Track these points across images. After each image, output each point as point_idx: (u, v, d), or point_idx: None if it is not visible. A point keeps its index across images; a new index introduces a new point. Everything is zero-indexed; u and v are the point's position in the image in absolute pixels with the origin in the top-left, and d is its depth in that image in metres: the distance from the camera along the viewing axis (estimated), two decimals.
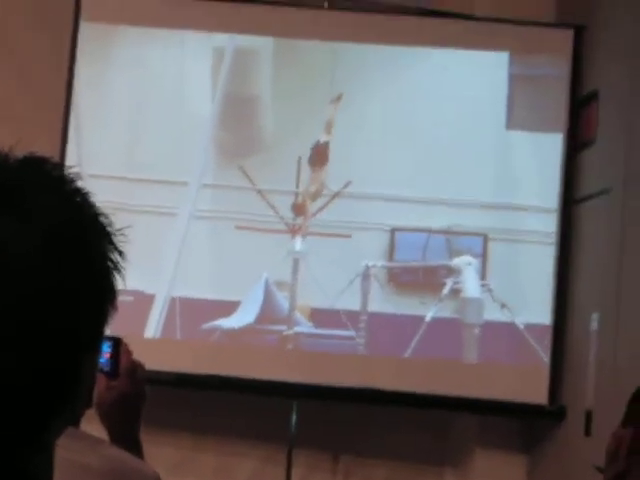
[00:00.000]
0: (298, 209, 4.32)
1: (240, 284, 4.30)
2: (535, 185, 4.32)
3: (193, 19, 4.36)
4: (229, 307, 4.27)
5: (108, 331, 1.02)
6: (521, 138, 4.34)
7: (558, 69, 4.32)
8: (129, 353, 2.06)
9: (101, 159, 4.31)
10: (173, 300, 4.26)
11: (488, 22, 4.41)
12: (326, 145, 4.32)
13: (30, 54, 4.43)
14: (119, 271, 0.99)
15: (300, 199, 4.32)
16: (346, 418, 4.38)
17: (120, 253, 0.99)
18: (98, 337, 1.00)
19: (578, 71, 4.31)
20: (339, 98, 4.31)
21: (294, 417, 4.29)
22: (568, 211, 4.26)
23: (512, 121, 4.33)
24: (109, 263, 0.98)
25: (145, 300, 4.22)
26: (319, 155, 4.32)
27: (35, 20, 4.43)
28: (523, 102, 4.34)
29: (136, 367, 2.06)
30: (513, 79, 4.35)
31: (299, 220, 4.32)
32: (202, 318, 4.26)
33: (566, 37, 4.31)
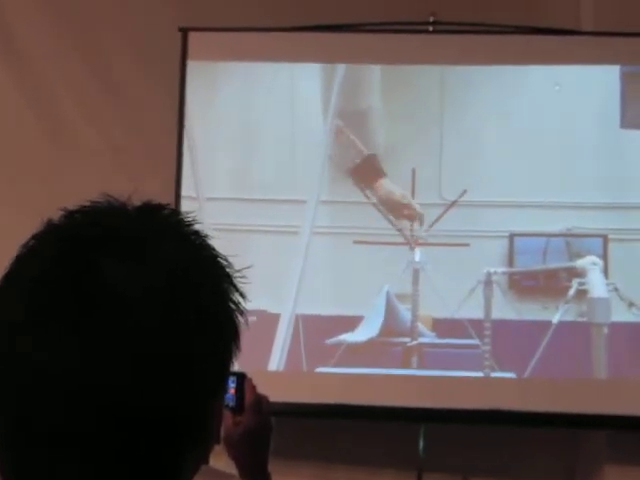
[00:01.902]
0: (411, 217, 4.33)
1: (362, 298, 4.31)
2: None
3: (299, 52, 4.40)
4: (352, 322, 4.29)
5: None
6: (636, 136, 4.27)
7: None
8: (254, 387, 2.08)
9: (218, 183, 4.38)
10: (297, 318, 4.30)
11: (596, 36, 4.35)
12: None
13: (139, 95, 4.53)
14: (241, 312, 1.01)
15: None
16: (474, 440, 4.35)
17: (241, 294, 1.01)
18: (224, 377, 1.02)
19: None
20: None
21: (422, 441, 4.28)
22: None
23: (626, 120, 4.27)
24: (231, 304, 1.00)
25: (270, 319, 4.26)
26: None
27: (142, 62, 4.53)
28: (636, 99, 4.27)
29: (261, 401, 2.08)
30: (625, 77, 4.29)
31: (417, 231, 4.31)
32: (326, 334, 4.28)
33: None
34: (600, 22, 4.40)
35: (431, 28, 4.45)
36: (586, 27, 4.44)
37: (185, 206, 4.22)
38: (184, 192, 4.30)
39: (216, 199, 4.33)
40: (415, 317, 4.30)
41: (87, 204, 0.99)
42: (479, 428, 4.31)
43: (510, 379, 4.24)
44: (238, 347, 1.01)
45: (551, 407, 4.19)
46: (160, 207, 1.01)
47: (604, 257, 4.26)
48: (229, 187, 4.39)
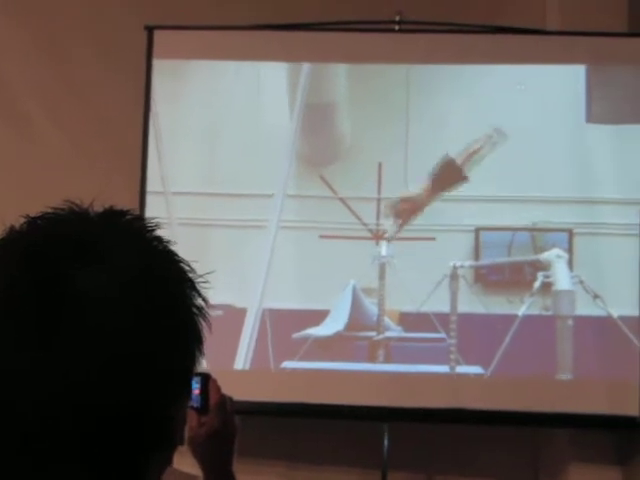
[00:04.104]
0: (401, 211, 4.33)
1: (328, 293, 4.31)
2: (617, 178, 4.30)
3: (265, 51, 4.39)
4: (318, 316, 4.30)
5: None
6: (601, 131, 4.30)
7: (634, 71, 4.30)
8: (218, 388, 2.08)
9: (185, 178, 4.37)
10: (264, 312, 4.30)
11: (561, 36, 4.37)
12: (458, 174, 4.32)
13: (105, 94, 4.51)
14: (204, 316, 1.01)
15: (400, 206, 4.33)
16: (438, 438, 4.38)
17: (204, 299, 1.01)
18: (187, 380, 1.02)
19: None
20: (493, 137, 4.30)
21: (386, 440, 4.29)
22: None
23: (592, 114, 4.29)
24: (193, 309, 1.01)
25: (236, 314, 4.26)
26: (444, 178, 4.32)
27: (108, 61, 4.51)
28: (601, 94, 4.30)
29: (225, 401, 2.08)
30: (591, 73, 4.32)
31: (383, 226, 4.32)
32: (292, 328, 4.29)
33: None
34: (566, 22, 4.42)
35: (397, 27, 4.46)
36: (551, 27, 4.47)
37: (152, 201, 4.22)
38: (151, 187, 4.28)
39: (183, 193, 4.33)
40: (381, 311, 4.31)
41: (49, 210, 0.99)
42: (443, 426, 4.33)
43: (475, 377, 4.26)
44: (201, 351, 1.01)
45: (515, 406, 4.21)
46: (122, 213, 1.01)
47: (569, 251, 4.29)
48: (196, 181, 4.38)
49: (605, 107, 4.30)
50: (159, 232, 1.01)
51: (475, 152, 4.30)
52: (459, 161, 4.31)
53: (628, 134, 4.29)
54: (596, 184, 4.30)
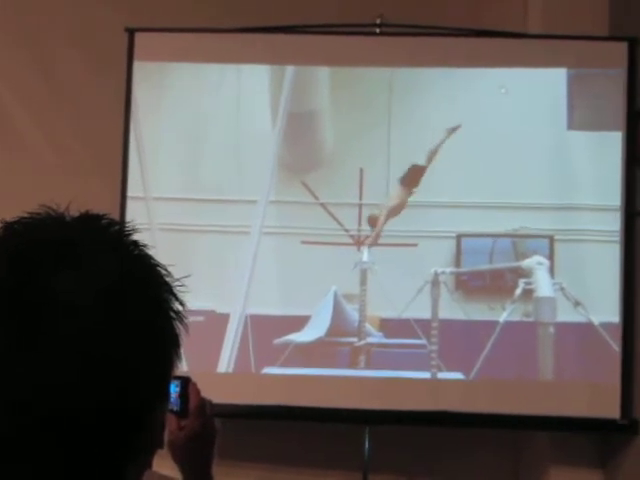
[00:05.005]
0: (373, 221, 4.33)
1: (309, 298, 4.31)
2: (598, 185, 4.31)
3: (247, 53, 4.38)
4: (299, 322, 4.30)
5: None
6: (582, 138, 4.32)
7: (614, 78, 4.31)
8: (198, 391, 2.08)
9: (167, 183, 4.36)
10: (245, 318, 4.30)
11: (543, 39, 4.38)
12: (422, 170, 4.33)
13: (86, 96, 4.50)
14: (181, 320, 1.01)
15: (377, 211, 4.34)
16: (419, 441, 4.38)
17: (181, 303, 1.01)
18: (165, 384, 1.02)
19: (634, 81, 4.30)
20: (455, 129, 4.30)
21: (367, 443, 4.29)
22: (631, 209, 4.25)
23: (573, 121, 4.31)
24: (171, 313, 1.01)
25: (218, 319, 4.25)
26: (412, 177, 4.33)
27: (89, 63, 4.49)
28: (582, 102, 4.32)
29: (205, 404, 2.08)
30: (572, 80, 4.33)
31: (364, 232, 4.33)
32: (274, 334, 4.28)
33: (620, 50, 4.30)
34: (547, 25, 4.44)
35: (378, 30, 4.46)
36: (533, 30, 4.48)
37: (133, 207, 4.21)
38: (133, 193, 4.27)
39: (165, 199, 4.32)
40: (362, 317, 4.31)
41: (25, 215, 0.99)
42: (424, 429, 4.34)
43: (456, 380, 4.27)
44: (178, 355, 1.02)
45: (496, 408, 4.22)
46: (99, 217, 1.01)
47: (550, 257, 4.30)
48: (178, 187, 4.37)
49: (586, 114, 4.31)
50: (136, 236, 1.02)
51: (435, 149, 4.32)
52: (424, 163, 4.34)
53: (608, 141, 4.31)
54: (577, 190, 4.31)
